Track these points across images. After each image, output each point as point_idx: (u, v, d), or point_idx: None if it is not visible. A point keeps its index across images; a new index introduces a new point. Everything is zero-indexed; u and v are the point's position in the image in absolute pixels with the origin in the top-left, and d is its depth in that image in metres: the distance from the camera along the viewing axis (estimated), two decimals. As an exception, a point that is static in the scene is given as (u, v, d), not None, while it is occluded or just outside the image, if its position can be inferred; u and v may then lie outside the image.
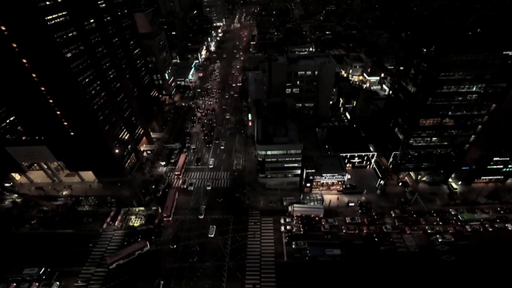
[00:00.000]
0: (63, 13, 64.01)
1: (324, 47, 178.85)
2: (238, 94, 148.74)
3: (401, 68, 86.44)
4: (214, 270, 65.13)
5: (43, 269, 64.55)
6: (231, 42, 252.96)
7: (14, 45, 61.03)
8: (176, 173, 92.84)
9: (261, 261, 66.93)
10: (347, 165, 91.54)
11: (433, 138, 79.61)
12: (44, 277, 64.16)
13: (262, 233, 73.66)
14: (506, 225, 74.47)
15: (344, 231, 73.94)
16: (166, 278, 63.29)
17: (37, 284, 62.70)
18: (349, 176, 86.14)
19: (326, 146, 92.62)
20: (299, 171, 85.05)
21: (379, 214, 78.28)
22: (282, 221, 76.91)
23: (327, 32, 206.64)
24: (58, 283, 63.11)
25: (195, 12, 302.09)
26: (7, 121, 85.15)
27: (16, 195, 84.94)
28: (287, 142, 79.52)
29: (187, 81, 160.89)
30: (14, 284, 63.20)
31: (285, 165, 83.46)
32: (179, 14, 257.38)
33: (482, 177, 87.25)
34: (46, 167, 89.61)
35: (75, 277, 64.34)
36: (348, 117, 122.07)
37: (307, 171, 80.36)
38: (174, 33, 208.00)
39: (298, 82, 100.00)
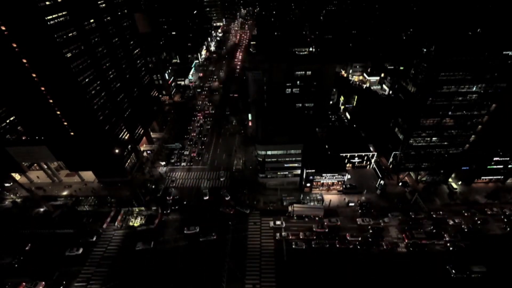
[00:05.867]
0: (63, 13, 63.94)
1: (324, 47, 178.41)
2: (238, 94, 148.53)
3: (401, 68, 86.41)
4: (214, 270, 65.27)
5: None
6: (231, 42, 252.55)
7: (14, 45, 60.98)
8: None
9: (261, 261, 67.07)
10: (347, 165, 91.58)
11: (433, 138, 79.62)
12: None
13: (262, 233, 73.78)
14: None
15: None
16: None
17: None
18: (349, 176, 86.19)
19: (326, 146, 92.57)
20: (299, 171, 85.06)
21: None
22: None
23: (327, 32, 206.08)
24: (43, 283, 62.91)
25: (195, 12, 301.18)
26: (7, 121, 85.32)
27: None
28: (287, 142, 79.48)
29: (187, 81, 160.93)
30: None
31: (285, 165, 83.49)
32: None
33: (482, 177, 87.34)
34: (46, 167, 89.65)
35: (75, 277, 64.39)
36: (348, 117, 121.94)
37: (307, 171, 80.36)
38: (174, 33, 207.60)
39: (298, 82, 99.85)
